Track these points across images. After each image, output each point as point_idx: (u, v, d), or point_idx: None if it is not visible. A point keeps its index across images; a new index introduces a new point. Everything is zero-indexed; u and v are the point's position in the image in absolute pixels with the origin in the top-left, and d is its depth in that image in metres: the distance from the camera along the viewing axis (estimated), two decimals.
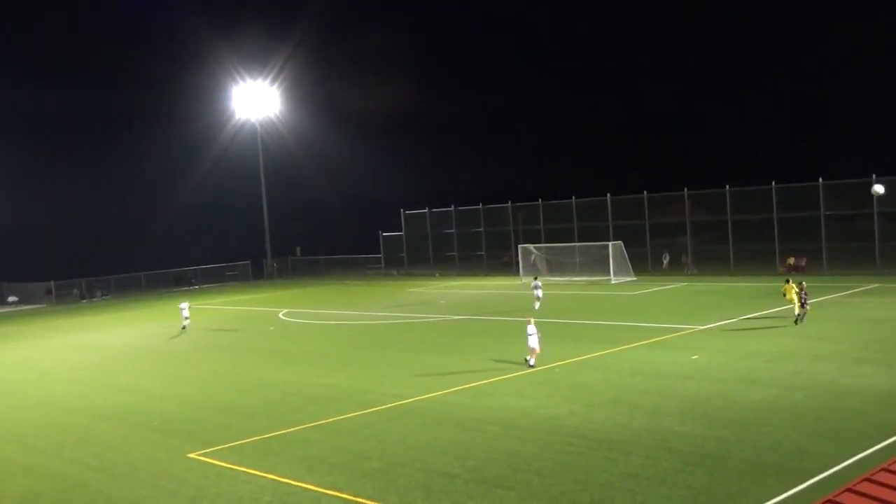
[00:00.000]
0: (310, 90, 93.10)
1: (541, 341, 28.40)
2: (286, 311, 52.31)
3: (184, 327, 44.97)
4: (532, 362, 28.23)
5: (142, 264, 76.87)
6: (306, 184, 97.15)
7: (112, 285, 74.91)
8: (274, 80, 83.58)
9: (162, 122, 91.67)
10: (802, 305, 33.21)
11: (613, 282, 55.27)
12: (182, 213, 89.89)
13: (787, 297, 34.20)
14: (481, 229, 70.36)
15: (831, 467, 16.39)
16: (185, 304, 46.30)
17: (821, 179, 52.47)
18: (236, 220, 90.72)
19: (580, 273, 58.34)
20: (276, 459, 19.81)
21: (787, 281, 35.28)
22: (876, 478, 8.90)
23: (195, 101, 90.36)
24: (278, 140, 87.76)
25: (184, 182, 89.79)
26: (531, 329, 28.40)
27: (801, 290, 33.41)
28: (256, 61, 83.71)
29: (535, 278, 47.03)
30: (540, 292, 43.98)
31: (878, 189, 44.19)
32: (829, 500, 8.46)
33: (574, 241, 61.82)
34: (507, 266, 67.69)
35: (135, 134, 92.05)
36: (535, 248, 62.98)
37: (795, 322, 32.88)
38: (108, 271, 75.08)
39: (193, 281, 78.23)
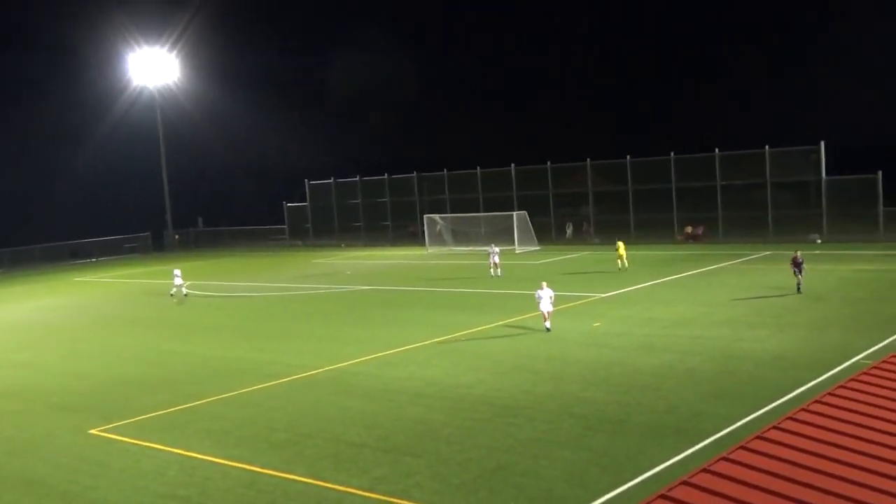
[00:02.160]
0: (210, 57, 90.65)
1: (552, 301, 28.20)
2: (189, 283, 51.31)
3: (185, 294, 44.18)
4: (547, 326, 28.07)
5: (36, 237, 74.24)
6: (208, 153, 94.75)
7: (4, 260, 72.24)
8: (172, 47, 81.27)
9: (54, 89, 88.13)
10: (797, 274, 32.29)
11: (518, 251, 55.89)
12: (78, 183, 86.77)
13: (619, 252, 41.88)
14: (387, 199, 70.25)
15: (726, 428, 17.08)
16: (178, 271, 45.30)
17: (717, 150, 53.99)
18: (135, 191, 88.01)
19: (485, 243, 58.80)
20: (182, 433, 19.59)
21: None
22: (767, 435, 9.30)
23: (89, 66, 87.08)
24: (178, 108, 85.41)
25: (79, 152, 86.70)
26: (540, 293, 28.19)
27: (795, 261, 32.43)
28: (153, 27, 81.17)
29: (492, 245, 46.74)
30: (497, 258, 43.97)
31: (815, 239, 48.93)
32: (723, 458, 8.80)
33: (479, 212, 62.23)
34: (412, 236, 67.74)
35: (25, 100, 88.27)
36: (440, 218, 63.16)
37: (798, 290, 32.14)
38: None
39: (92, 255, 75.87)
